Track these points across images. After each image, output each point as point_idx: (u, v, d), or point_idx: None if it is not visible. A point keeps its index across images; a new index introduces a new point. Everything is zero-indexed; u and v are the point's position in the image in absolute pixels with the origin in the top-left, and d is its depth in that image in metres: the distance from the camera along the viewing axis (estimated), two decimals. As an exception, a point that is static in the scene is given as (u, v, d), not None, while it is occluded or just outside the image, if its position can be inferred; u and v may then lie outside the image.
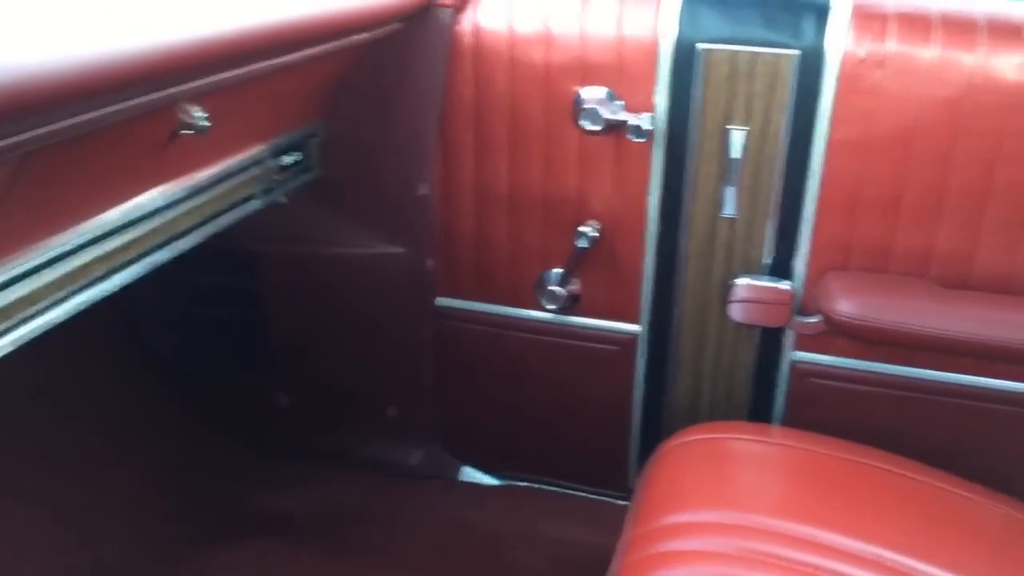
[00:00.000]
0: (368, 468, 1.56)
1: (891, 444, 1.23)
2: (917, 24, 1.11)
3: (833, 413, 1.30)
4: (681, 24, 1.18)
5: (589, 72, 1.22)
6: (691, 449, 1.17)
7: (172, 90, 0.83)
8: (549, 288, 1.35)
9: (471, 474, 1.57)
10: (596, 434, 1.46)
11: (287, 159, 1.22)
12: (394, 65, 1.26)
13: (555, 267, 1.35)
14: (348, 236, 1.38)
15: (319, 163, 1.31)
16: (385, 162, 1.33)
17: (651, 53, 1.20)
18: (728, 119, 1.20)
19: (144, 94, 0.79)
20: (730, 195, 1.24)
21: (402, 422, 1.54)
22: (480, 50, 1.24)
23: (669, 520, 1.03)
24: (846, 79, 1.13)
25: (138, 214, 0.95)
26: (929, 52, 1.11)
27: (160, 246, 1.00)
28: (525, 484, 1.55)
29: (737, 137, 1.20)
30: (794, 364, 1.30)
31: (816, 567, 0.94)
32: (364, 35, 1.14)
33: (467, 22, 1.24)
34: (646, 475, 1.17)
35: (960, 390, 1.23)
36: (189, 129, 0.88)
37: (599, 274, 1.34)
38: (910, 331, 1.17)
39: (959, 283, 1.19)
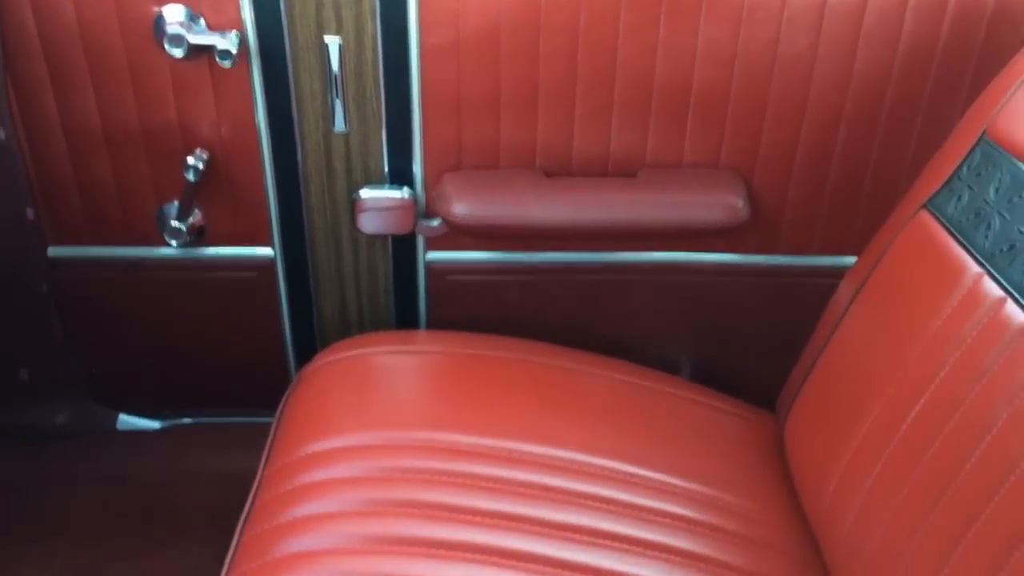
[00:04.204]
0: (9, 437, 1.44)
1: (526, 324, 1.32)
2: (486, -77, 1.12)
3: (472, 306, 1.36)
4: (251, -68, 1.11)
5: (164, -10, 1.13)
6: (332, 370, 1.18)
7: None
8: (170, 223, 1.27)
9: (130, 422, 1.50)
10: (252, 361, 1.43)
11: None
12: (-70, -2, 1.10)
13: (174, 200, 1.27)
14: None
15: None
16: (-54, 109, 1.17)
17: (226, -36, 1.12)
18: (321, 30, 1.16)
19: None
20: (339, 108, 1.21)
21: (38, 382, 1.42)
22: (31, -26, 1.11)
23: (308, 450, 1.03)
24: (427, -16, 1.13)
25: None
26: (502, -49, 1.12)
27: None
28: (189, 421, 1.51)
29: (333, 49, 1.17)
30: (428, 265, 1.33)
31: (459, 473, 0.99)
32: None
33: (9, -58, 1.09)
34: (285, 403, 1.16)
35: (576, 267, 1.32)
36: None
37: (221, 202, 1.28)
38: (519, 223, 1.23)
39: (561, 170, 1.25)
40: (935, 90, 1.18)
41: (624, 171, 1.25)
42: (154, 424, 1.50)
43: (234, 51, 1.11)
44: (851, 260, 1.14)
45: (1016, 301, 0.80)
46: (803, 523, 1.02)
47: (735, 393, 1.26)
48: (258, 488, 1.02)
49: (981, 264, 0.85)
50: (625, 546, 0.93)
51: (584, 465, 1.02)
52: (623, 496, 1.00)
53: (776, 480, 1.08)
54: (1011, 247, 0.83)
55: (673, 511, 0.99)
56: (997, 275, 0.83)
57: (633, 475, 1.03)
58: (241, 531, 0.97)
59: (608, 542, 0.93)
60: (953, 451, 0.79)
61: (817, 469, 0.99)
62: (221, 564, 0.94)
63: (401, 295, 1.37)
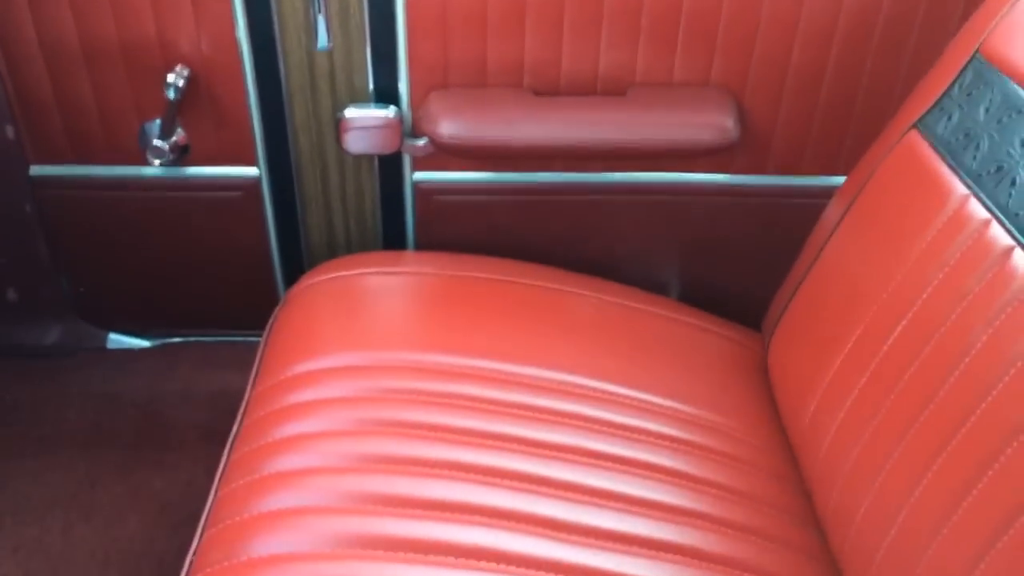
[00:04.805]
0: (0, 356, 1.45)
1: (514, 245, 1.32)
2: None
3: (459, 227, 1.35)
4: None
5: (137, -103, 1.09)
6: (319, 291, 1.18)
7: None
8: (153, 142, 1.25)
9: (120, 340, 1.51)
10: (240, 281, 1.43)
11: None
12: None
13: (156, 119, 1.25)
14: None
15: None
16: (-81, 24, 1.15)
17: None
18: (303, -58, 1.13)
19: None
20: (321, 24, 1.18)
21: (26, 302, 1.43)
22: None
23: (296, 370, 1.04)
24: None
25: None
26: None
27: None
28: (179, 340, 1.52)
29: (315, -39, 1.14)
30: (416, 185, 1.32)
31: (445, 393, 1.00)
32: None
33: None
34: (273, 324, 1.17)
35: (565, 187, 1.31)
36: None
37: (204, 120, 1.26)
38: (507, 143, 1.21)
39: (550, 88, 1.23)
40: (929, 7, 1.16)
41: (613, 90, 1.23)
42: (144, 343, 1.51)
43: (210, -39, 1.09)
44: (840, 181, 1.13)
45: (1001, 223, 0.80)
46: (785, 442, 1.04)
47: (722, 314, 1.27)
48: (247, 407, 1.03)
49: (968, 185, 0.85)
50: (609, 464, 0.95)
51: (570, 385, 1.03)
52: (608, 415, 1.01)
53: (759, 399, 1.09)
54: (998, 168, 0.82)
55: (657, 430, 1.01)
56: (983, 197, 0.82)
57: (618, 395, 1.04)
58: (230, 449, 0.98)
59: (592, 460, 0.95)
60: (933, 372, 0.80)
61: (799, 388, 1.00)
62: (212, 480, 0.95)
63: (388, 216, 1.36)
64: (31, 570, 1.17)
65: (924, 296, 0.84)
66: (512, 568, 0.81)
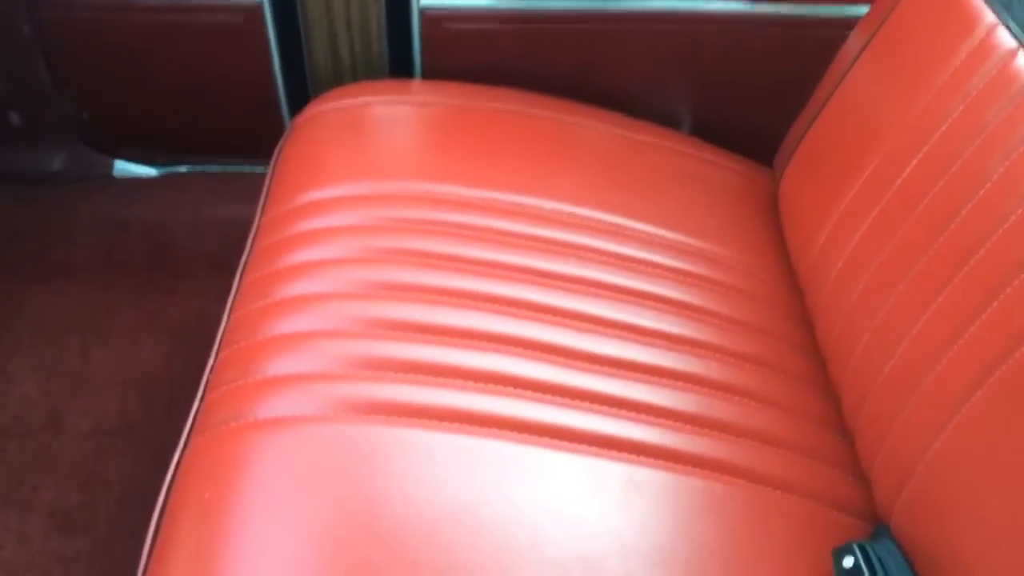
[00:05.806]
0: (6, 182, 1.45)
1: (524, 75, 1.29)
2: None
3: (468, 55, 1.31)
4: None
5: None
6: (326, 119, 1.16)
7: None
8: (150, -39, 1.21)
9: (127, 168, 1.50)
10: (244, 108, 1.41)
11: None
12: None
13: (152, -66, 1.21)
14: None
15: None
16: None
17: None
18: None
19: None
20: None
21: (30, 127, 1.41)
22: None
23: (304, 199, 1.04)
24: None
25: None
26: None
27: None
28: (186, 170, 1.51)
29: None
30: (423, 11, 1.27)
31: (453, 223, 1.00)
32: None
33: None
34: (279, 152, 1.16)
35: (577, 15, 1.27)
36: None
37: (202, -62, 1.21)
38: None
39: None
40: None
41: (630, -92, 1.18)
42: (150, 172, 1.50)
43: None
44: (864, 11, 1.09)
45: (1028, 53, 0.77)
46: (790, 275, 1.04)
47: (734, 149, 1.25)
48: (256, 235, 1.03)
49: (997, 14, 0.82)
50: (614, 294, 0.96)
51: (577, 217, 1.03)
52: (614, 247, 1.01)
53: (768, 234, 1.09)
54: (1031, -5, 0.79)
55: (663, 262, 1.01)
56: (1012, 25, 0.80)
57: (625, 227, 1.04)
58: (241, 276, 0.99)
59: (597, 290, 0.96)
60: (946, 204, 0.79)
61: (809, 222, 1.00)
62: (223, 307, 0.97)
63: (394, 43, 1.32)
64: (51, 390, 1.21)
65: (943, 128, 0.83)
66: (518, 391, 0.84)
